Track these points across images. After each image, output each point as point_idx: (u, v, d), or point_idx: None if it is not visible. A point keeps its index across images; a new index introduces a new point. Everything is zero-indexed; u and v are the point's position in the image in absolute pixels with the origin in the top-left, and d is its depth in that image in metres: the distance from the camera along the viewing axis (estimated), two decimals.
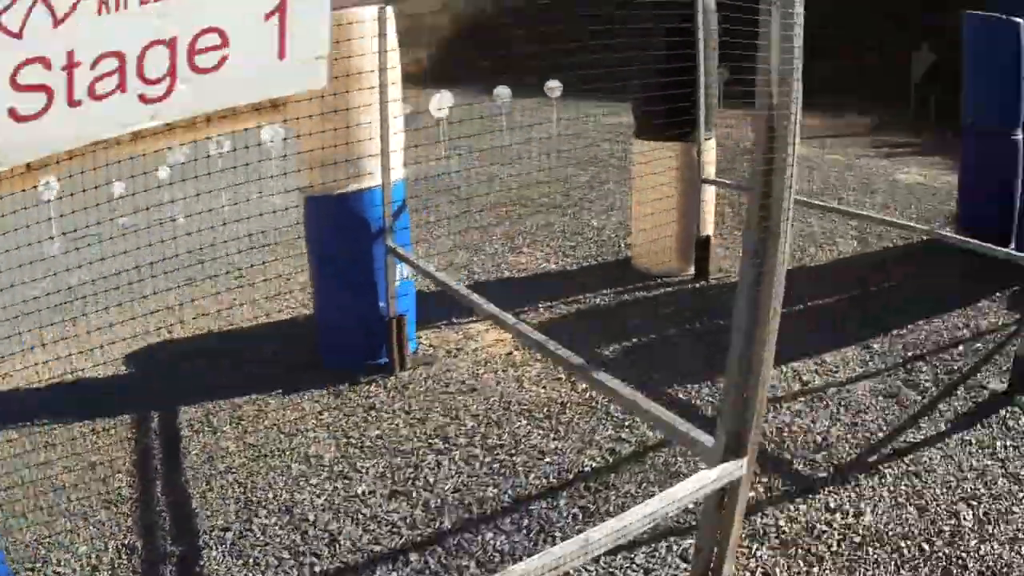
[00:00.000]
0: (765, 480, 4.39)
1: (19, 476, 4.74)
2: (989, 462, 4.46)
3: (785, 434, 4.85)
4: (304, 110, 5.60)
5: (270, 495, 4.42)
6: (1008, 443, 4.62)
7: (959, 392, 5.19)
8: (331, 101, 5.48)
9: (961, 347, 5.78)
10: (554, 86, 13.30)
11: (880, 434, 4.80)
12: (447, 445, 4.88)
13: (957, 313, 6.28)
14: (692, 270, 7.30)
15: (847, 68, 13.77)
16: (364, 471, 4.60)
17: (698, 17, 6.62)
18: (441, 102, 11.89)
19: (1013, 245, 7.21)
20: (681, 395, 5.39)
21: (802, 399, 5.21)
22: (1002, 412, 4.92)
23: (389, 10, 5.53)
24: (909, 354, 5.72)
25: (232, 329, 6.89)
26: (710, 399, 5.28)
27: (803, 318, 6.41)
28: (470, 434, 5.00)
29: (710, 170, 7.29)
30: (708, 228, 7.31)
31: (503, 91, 13.34)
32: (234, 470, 4.68)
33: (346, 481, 4.50)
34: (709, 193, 7.31)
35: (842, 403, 5.13)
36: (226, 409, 5.40)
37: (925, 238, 7.68)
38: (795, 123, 2.54)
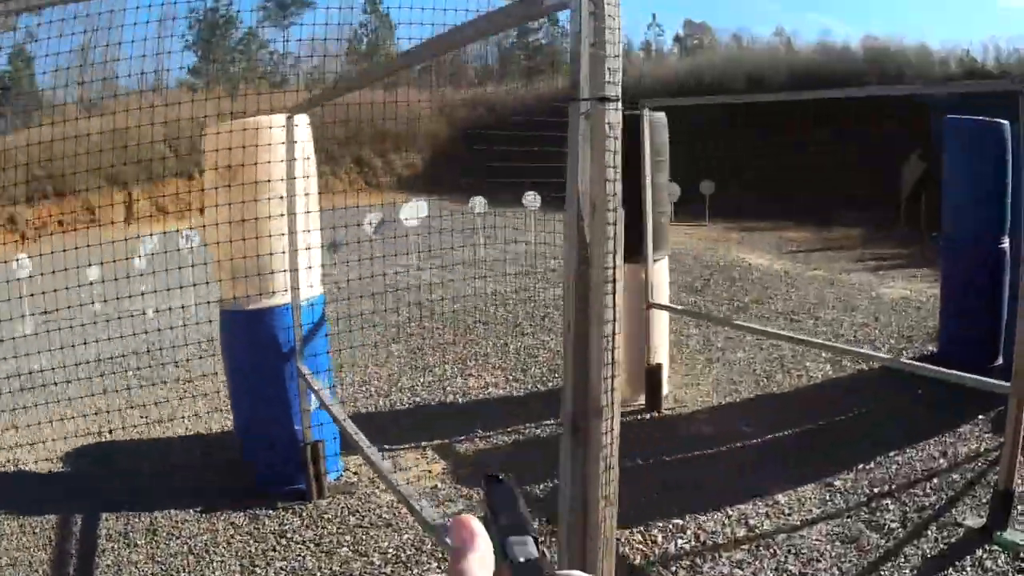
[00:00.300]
0: None
1: None
2: None
3: None
4: (212, 219, 5.30)
5: None
6: None
7: (929, 532, 4.49)
8: (237, 211, 5.14)
9: (936, 479, 5.09)
10: (532, 198, 13.03)
11: None
12: None
13: (934, 441, 5.59)
14: (643, 399, 6.64)
15: (835, 178, 13.44)
16: None
17: (643, 127, 6.18)
18: (413, 211, 11.56)
19: (1000, 360, 6.64)
20: None
21: (745, 547, 4.51)
22: (978, 552, 4.22)
23: (302, 119, 5.17)
24: (875, 490, 5.03)
25: (171, 436, 6.57)
26: (641, 547, 4.60)
27: (759, 454, 5.77)
28: (375, 574, 4.48)
29: (661, 293, 6.75)
30: (660, 355, 6.70)
31: (478, 201, 13.07)
32: None
33: None
34: (660, 317, 6.74)
35: (792, 550, 4.43)
36: (144, 522, 5.20)
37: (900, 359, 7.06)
38: (615, 268, 1.93)
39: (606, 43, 1.87)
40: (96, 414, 6.63)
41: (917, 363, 4.76)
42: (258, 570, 4.59)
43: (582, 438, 2.04)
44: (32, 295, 6.98)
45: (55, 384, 6.27)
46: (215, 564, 4.70)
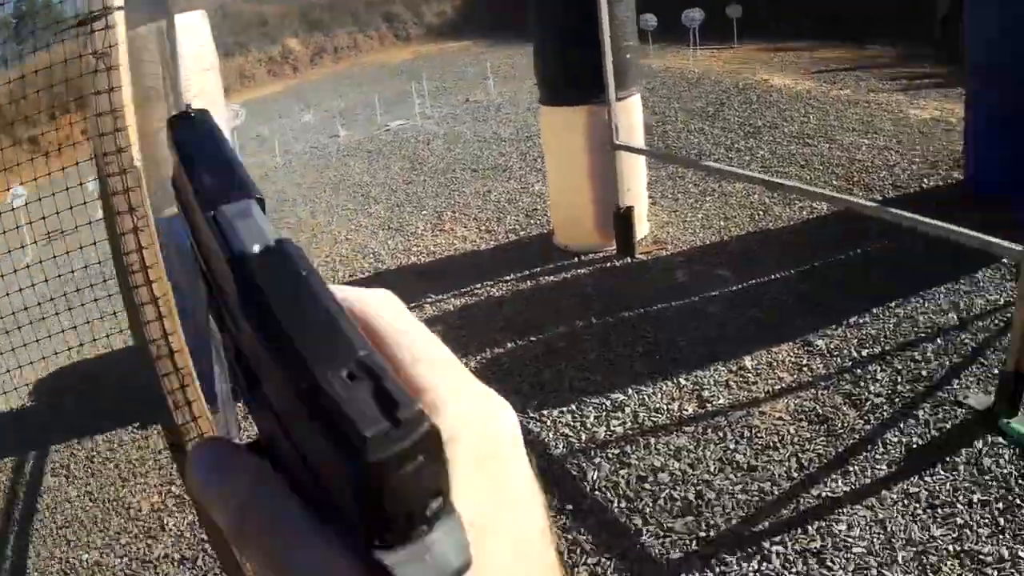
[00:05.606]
0: (593, 560, 2.83)
1: None
2: (939, 531, 2.77)
3: (645, 487, 3.21)
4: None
5: (84, 556, 3.74)
6: (976, 497, 2.88)
7: (920, 412, 3.42)
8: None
9: (940, 339, 3.95)
10: None
11: (785, 484, 3.12)
12: None
13: (945, 289, 4.36)
14: (614, 245, 5.58)
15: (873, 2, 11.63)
16: (169, 529, 3.79)
17: None
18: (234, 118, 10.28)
19: None
20: (549, 414, 3.77)
21: (690, 429, 3.53)
22: (978, 445, 3.15)
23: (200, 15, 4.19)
24: (864, 353, 3.94)
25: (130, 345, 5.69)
26: (567, 433, 3.65)
27: (735, 305, 4.66)
28: None
29: (632, 132, 5.60)
30: (634, 198, 5.56)
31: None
32: (69, 523, 4.06)
33: (149, 542, 3.72)
34: (633, 160, 5.58)
35: (744, 432, 3.45)
36: (87, 448, 4.74)
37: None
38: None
39: None
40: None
41: (910, 215, 3.56)
42: (174, 489, 4.05)
43: None
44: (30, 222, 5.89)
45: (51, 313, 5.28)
46: (138, 485, 4.21)
